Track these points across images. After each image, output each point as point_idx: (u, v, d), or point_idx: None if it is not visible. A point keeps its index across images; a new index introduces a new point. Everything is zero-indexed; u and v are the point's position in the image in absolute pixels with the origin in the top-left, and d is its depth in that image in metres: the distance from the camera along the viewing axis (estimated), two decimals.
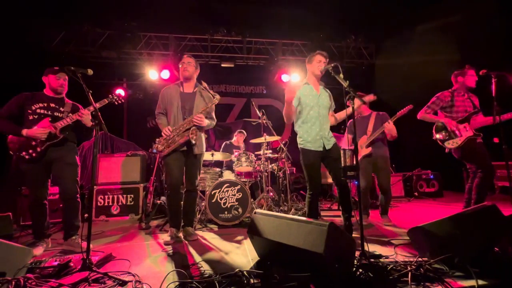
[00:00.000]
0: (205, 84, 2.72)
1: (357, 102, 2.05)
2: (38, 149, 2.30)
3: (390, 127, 3.00)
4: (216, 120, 2.84)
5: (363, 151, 3.18)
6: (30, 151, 2.29)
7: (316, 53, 2.46)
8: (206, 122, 2.63)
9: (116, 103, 2.54)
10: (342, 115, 2.64)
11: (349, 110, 2.01)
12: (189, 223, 2.72)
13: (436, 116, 2.98)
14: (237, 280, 1.54)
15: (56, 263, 1.76)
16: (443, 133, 2.89)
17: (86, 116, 2.39)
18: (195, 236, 2.63)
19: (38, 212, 2.40)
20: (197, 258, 2.08)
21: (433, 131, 2.99)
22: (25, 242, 2.42)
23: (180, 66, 2.72)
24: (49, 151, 2.36)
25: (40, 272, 1.68)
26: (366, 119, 3.27)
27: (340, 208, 2.46)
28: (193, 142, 2.52)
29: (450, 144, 2.84)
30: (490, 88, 2.47)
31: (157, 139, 2.59)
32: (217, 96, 2.64)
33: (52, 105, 2.43)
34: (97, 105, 2.15)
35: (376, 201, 4.39)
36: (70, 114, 2.42)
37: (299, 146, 2.45)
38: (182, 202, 2.68)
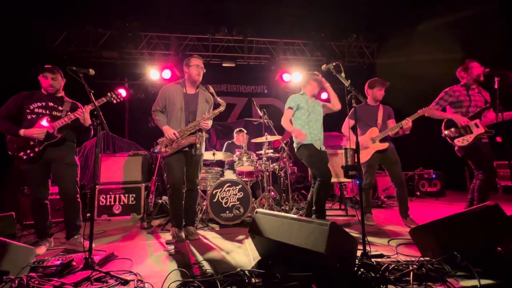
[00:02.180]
0: (212, 90, 2.72)
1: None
2: (36, 149, 2.29)
3: (409, 126, 2.83)
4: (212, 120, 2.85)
5: (377, 146, 2.98)
6: (28, 151, 2.28)
7: (321, 75, 2.86)
8: (210, 125, 2.69)
9: (115, 101, 2.48)
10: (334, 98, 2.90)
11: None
12: (190, 222, 2.73)
13: (444, 112, 2.88)
14: (239, 280, 1.54)
15: (58, 262, 1.77)
16: (453, 130, 2.76)
17: (84, 115, 2.35)
18: (196, 235, 2.64)
19: (40, 212, 2.40)
20: (199, 257, 2.08)
21: (442, 127, 2.88)
22: (28, 241, 2.44)
23: (190, 68, 2.64)
24: (48, 151, 2.34)
25: (43, 271, 1.69)
26: (375, 110, 3.10)
27: (310, 201, 2.80)
28: (198, 146, 2.58)
29: (460, 142, 2.71)
30: (493, 87, 2.45)
31: (159, 140, 2.59)
32: (224, 104, 2.67)
33: (51, 104, 2.41)
34: (96, 103, 2.12)
35: (378, 201, 4.37)
36: (69, 113, 2.40)
37: (300, 143, 2.68)
38: (183, 202, 2.68)
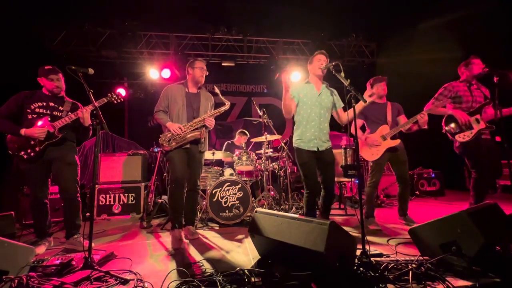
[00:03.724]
0: (217, 90, 2.81)
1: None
2: (37, 149, 2.30)
3: (425, 120, 2.74)
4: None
5: (388, 143, 2.86)
6: (29, 150, 2.29)
7: (316, 53, 2.51)
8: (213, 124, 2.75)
9: (115, 101, 2.49)
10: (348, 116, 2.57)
11: (351, 113, 1.94)
12: (190, 222, 2.73)
13: (444, 108, 2.83)
14: (238, 279, 1.55)
15: (58, 262, 1.77)
16: (454, 126, 2.73)
17: (85, 115, 2.36)
18: (196, 235, 2.64)
19: (39, 211, 2.41)
20: (198, 257, 2.09)
21: (443, 124, 2.86)
22: (28, 241, 2.44)
23: (194, 70, 2.72)
24: (48, 150, 2.35)
25: (43, 271, 1.69)
26: (383, 108, 3.00)
27: (320, 209, 2.49)
28: (203, 140, 2.67)
29: (461, 138, 2.69)
30: (492, 86, 2.45)
31: (161, 135, 2.61)
32: (228, 103, 2.77)
33: (52, 104, 2.42)
34: (96, 104, 2.13)
35: (377, 200, 4.37)
36: (70, 113, 2.41)
37: (294, 145, 2.48)
38: (184, 201, 2.68)
